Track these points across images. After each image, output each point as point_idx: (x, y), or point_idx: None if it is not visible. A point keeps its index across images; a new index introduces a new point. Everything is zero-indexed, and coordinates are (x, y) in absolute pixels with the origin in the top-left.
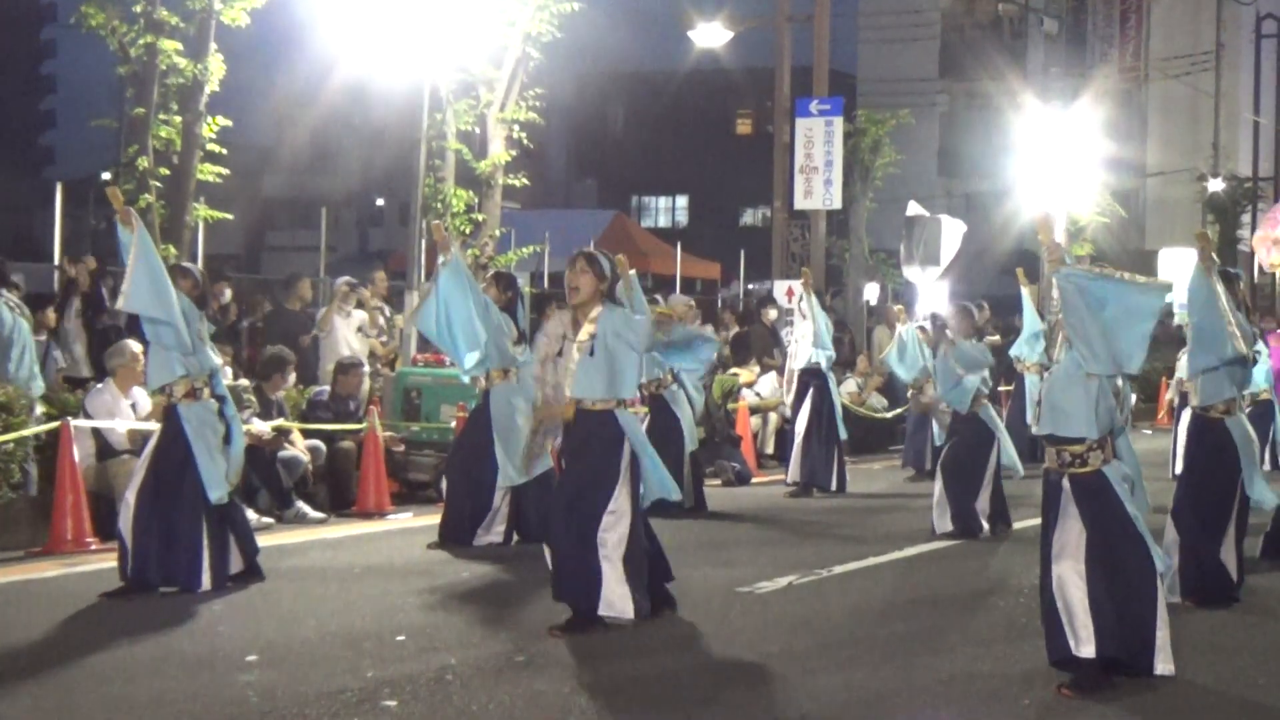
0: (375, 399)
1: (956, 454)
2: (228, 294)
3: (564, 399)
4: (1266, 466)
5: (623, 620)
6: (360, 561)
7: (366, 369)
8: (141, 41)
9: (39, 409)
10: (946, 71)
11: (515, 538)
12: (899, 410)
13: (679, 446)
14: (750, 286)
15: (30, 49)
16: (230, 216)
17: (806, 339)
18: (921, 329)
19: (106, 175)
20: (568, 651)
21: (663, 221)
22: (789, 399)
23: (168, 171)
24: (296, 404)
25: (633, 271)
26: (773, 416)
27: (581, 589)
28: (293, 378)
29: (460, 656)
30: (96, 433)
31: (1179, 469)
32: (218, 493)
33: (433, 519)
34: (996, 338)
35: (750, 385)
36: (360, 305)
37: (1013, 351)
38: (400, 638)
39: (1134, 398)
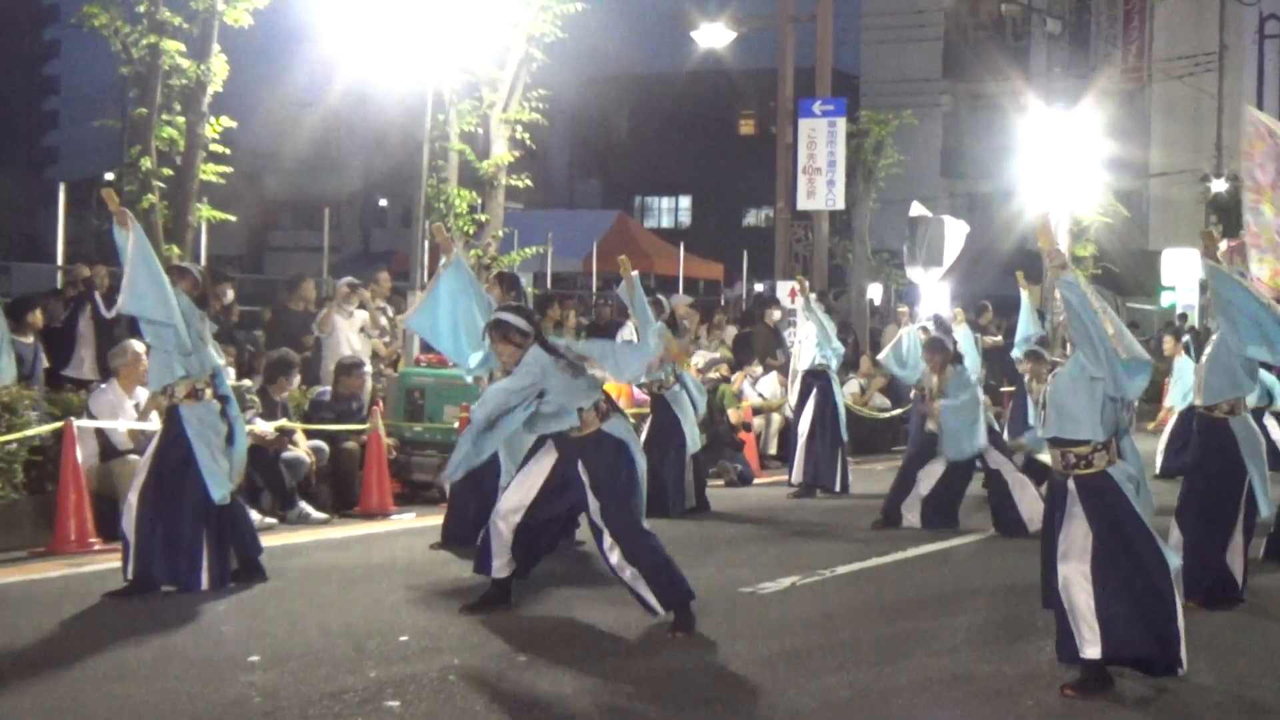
0: (378, 399)
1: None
2: (230, 294)
3: None
4: None
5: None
6: (363, 562)
7: (369, 369)
8: (144, 42)
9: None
10: (949, 72)
11: None
12: (902, 410)
13: (680, 447)
14: (759, 288)
15: (33, 49)
16: (233, 217)
17: (810, 340)
18: (924, 330)
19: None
20: (570, 652)
21: (666, 222)
22: (792, 399)
23: (171, 172)
24: (299, 404)
25: (635, 273)
26: (775, 417)
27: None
28: (297, 379)
29: (463, 657)
30: (99, 433)
31: (1159, 469)
32: (220, 492)
33: (435, 519)
34: (999, 338)
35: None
36: (362, 305)
37: (1014, 353)
38: (403, 638)
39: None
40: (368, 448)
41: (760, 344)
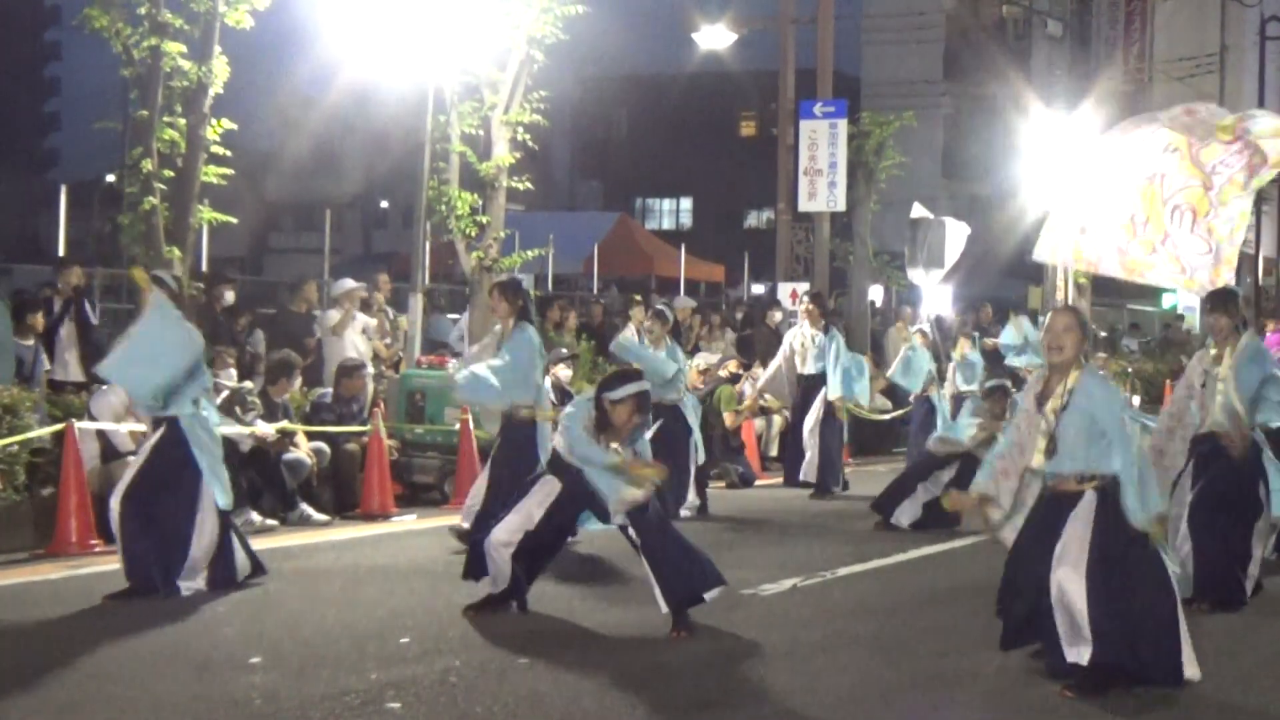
0: (379, 401)
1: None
2: (230, 296)
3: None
4: None
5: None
6: (364, 563)
7: (370, 371)
8: (145, 44)
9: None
10: (950, 74)
11: None
12: (902, 412)
13: (685, 455)
14: (759, 289)
15: (34, 51)
16: (234, 220)
17: (812, 351)
18: (921, 333)
19: (111, 177)
20: (571, 654)
21: (667, 224)
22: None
23: (172, 174)
24: (300, 406)
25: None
26: (776, 419)
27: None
28: (298, 381)
29: (464, 658)
30: (100, 435)
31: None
32: (225, 499)
33: (437, 521)
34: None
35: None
36: (365, 308)
37: (1008, 361)
38: (404, 640)
39: (1138, 399)
40: (369, 450)
41: (762, 346)
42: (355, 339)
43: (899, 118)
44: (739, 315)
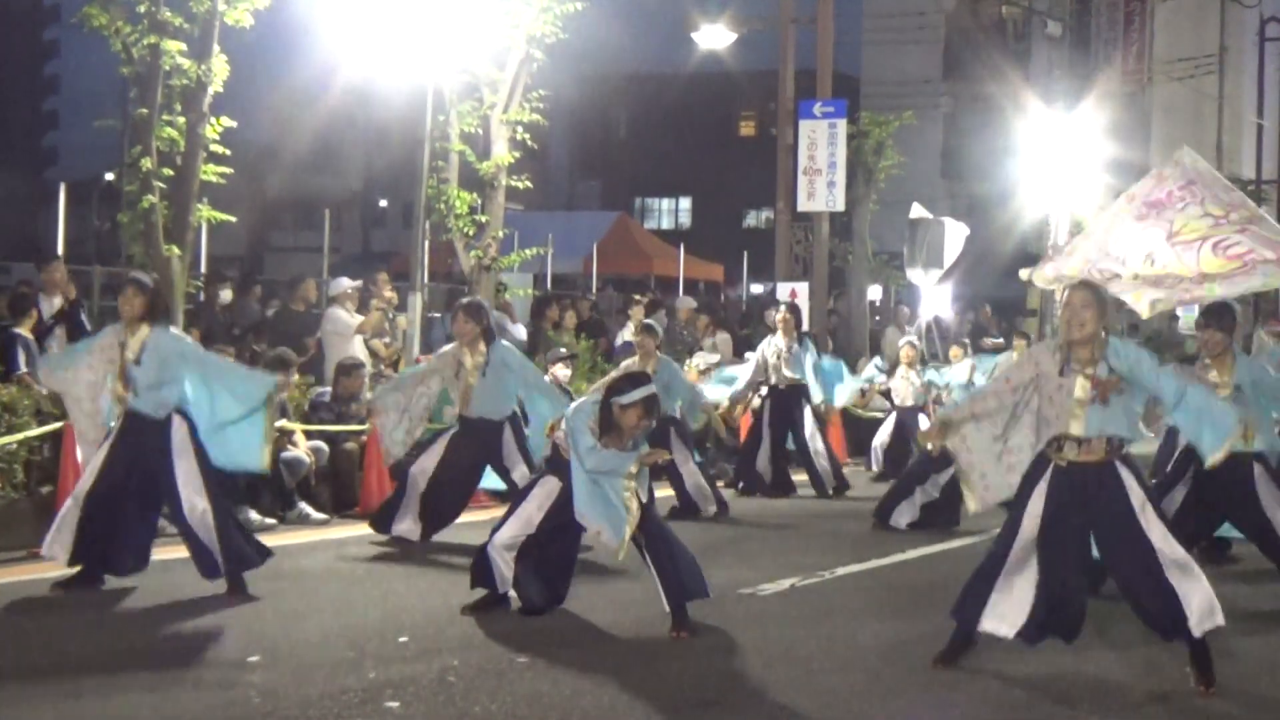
0: None
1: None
2: (227, 294)
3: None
4: None
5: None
6: (363, 562)
7: (369, 370)
8: (145, 42)
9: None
10: (950, 74)
11: None
12: None
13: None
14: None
15: (33, 49)
16: (233, 218)
17: (787, 361)
18: (910, 345)
19: (110, 176)
20: (570, 654)
21: (666, 223)
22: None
23: (171, 172)
24: (299, 405)
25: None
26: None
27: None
28: (295, 378)
29: (463, 658)
30: None
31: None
32: (260, 461)
33: None
34: (1000, 340)
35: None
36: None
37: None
38: (403, 639)
39: None
40: (367, 448)
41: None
42: (355, 338)
43: (898, 118)
44: (742, 310)
